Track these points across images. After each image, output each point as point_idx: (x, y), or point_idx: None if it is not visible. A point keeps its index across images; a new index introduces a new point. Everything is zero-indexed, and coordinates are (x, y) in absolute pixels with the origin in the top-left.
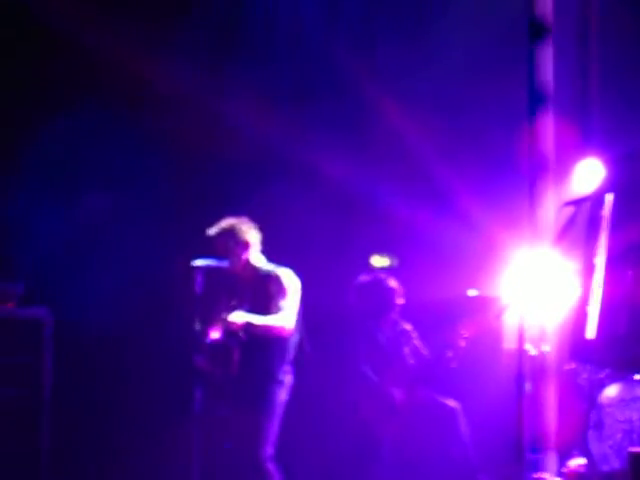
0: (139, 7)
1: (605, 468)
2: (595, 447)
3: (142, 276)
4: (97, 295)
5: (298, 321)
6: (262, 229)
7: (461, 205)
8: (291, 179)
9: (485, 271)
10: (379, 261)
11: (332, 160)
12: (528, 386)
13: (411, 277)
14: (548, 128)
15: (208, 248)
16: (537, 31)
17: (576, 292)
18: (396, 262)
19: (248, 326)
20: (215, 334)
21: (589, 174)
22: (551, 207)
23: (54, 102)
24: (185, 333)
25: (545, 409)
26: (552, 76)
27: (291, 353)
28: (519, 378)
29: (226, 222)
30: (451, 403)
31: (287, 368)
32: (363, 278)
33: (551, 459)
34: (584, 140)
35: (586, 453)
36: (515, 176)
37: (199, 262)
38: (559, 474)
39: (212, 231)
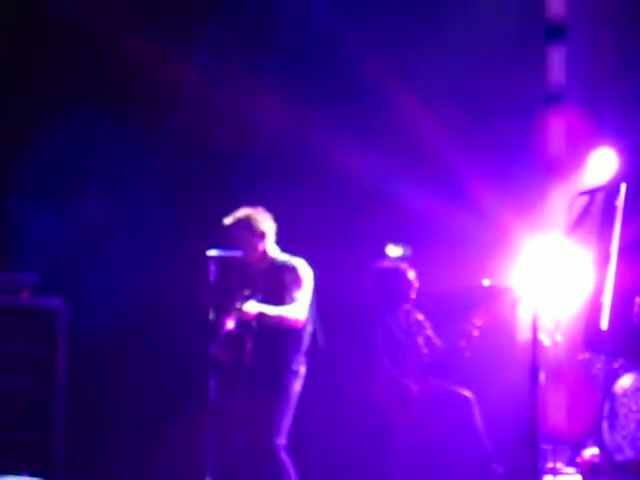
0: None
1: (619, 458)
2: (609, 437)
3: (157, 266)
4: (111, 285)
5: (312, 312)
6: (276, 220)
7: (475, 195)
8: (304, 169)
9: (499, 261)
10: (394, 250)
11: (345, 150)
12: (542, 376)
13: (425, 267)
14: (561, 118)
15: (222, 238)
16: (552, 26)
17: (590, 282)
18: (410, 251)
19: (261, 316)
20: (229, 324)
21: (603, 164)
22: (564, 196)
23: (77, 92)
24: (199, 323)
25: (559, 399)
26: (565, 67)
27: (305, 343)
28: (533, 368)
29: (242, 212)
30: (465, 393)
31: (301, 358)
32: (383, 265)
33: (564, 449)
34: (598, 130)
35: (600, 443)
36: (528, 165)
37: (213, 252)
38: (573, 464)
39: (228, 221)
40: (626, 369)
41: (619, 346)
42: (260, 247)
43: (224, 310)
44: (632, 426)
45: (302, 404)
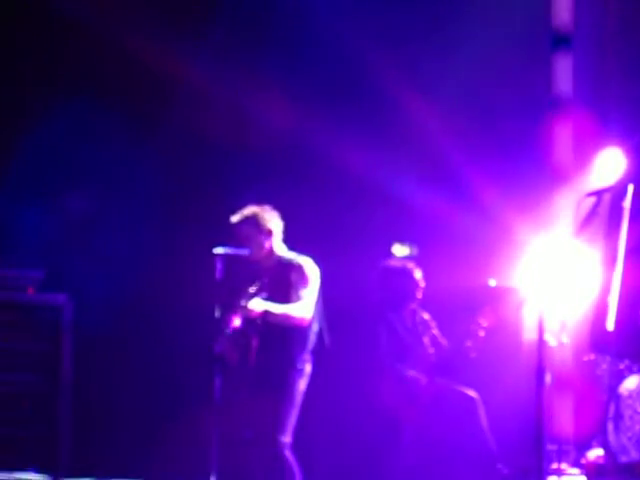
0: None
1: (624, 459)
2: (614, 438)
3: (163, 263)
4: (117, 281)
5: (317, 310)
6: (282, 218)
7: (481, 195)
8: (308, 168)
9: (505, 261)
10: (400, 250)
11: (350, 149)
12: (547, 377)
13: (431, 266)
14: (568, 118)
15: (229, 235)
16: (559, 28)
17: (596, 283)
18: (416, 251)
19: (267, 314)
20: (235, 322)
21: (610, 164)
22: (570, 197)
23: (73, 86)
24: (205, 320)
25: (564, 400)
26: (572, 67)
27: (311, 342)
28: (538, 369)
29: (249, 210)
30: (470, 393)
31: (307, 357)
32: (390, 264)
33: (569, 450)
34: (605, 130)
35: (605, 444)
36: (535, 165)
37: (220, 249)
38: (577, 465)
39: (235, 219)
40: (631, 370)
41: (625, 347)
42: (267, 245)
43: (230, 308)
44: (637, 427)
45: (307, 403)
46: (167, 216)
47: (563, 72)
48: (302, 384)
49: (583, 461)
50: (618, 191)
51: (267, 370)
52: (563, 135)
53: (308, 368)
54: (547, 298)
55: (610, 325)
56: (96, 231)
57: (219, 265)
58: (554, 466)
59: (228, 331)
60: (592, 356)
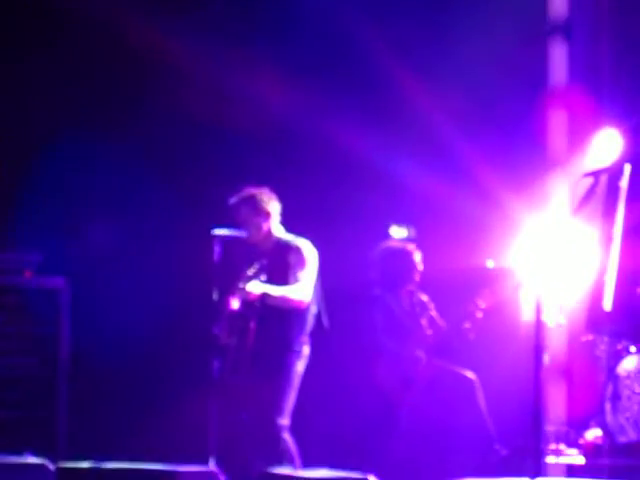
0: None
1: (622, 440)
2: (611, 419)
3: (161, 245)
4: (114, 264)
5: (316, 293)
6: (280, 201)
7: (479, 176)
8: (307, 151)
9: (503, 242)
10: (398, 232)
11: (348, 132)
12: (546, 358)
13: (428, 248)
14: (564, 98)
15: (227, 218)
16: (555, 19)
17: (594, 263)
18: (414, 233)
19: (265, 296)
20: (233, 304)
21: (607, 145)
22: (567, 178)
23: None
24: (203, 303)
25: (562, 381)
26: (568, 50)
27: (309, 324)
28: (536, 350)
29: (247, 192)
30: (468, 374)
31: (304, 339)
32: (390, 245)
33: (567, 431)
34: (601, 110)
35: (602, 425)
36: (532, 147)
37: (218, 232)
38: (575, 446)
39: (233, 201)
40: (629, 351)
41: (622, 327)
42: (265, 227)
43: (228, 290)
44: (635, 408)
45: (305, 385)
46: (164, 198)
47: (559, 55)
48: (300, 366)
49: (581, 442)
50: (615, 171)
51: (265, 352)
52: (559, 116)
53: (306, 350)
54: (544, 279)
55: (607, 305)
56: (93, 214)
57: (217, 247)
58: (552, 447)
59: (226, 313)
60: (590, 337)
